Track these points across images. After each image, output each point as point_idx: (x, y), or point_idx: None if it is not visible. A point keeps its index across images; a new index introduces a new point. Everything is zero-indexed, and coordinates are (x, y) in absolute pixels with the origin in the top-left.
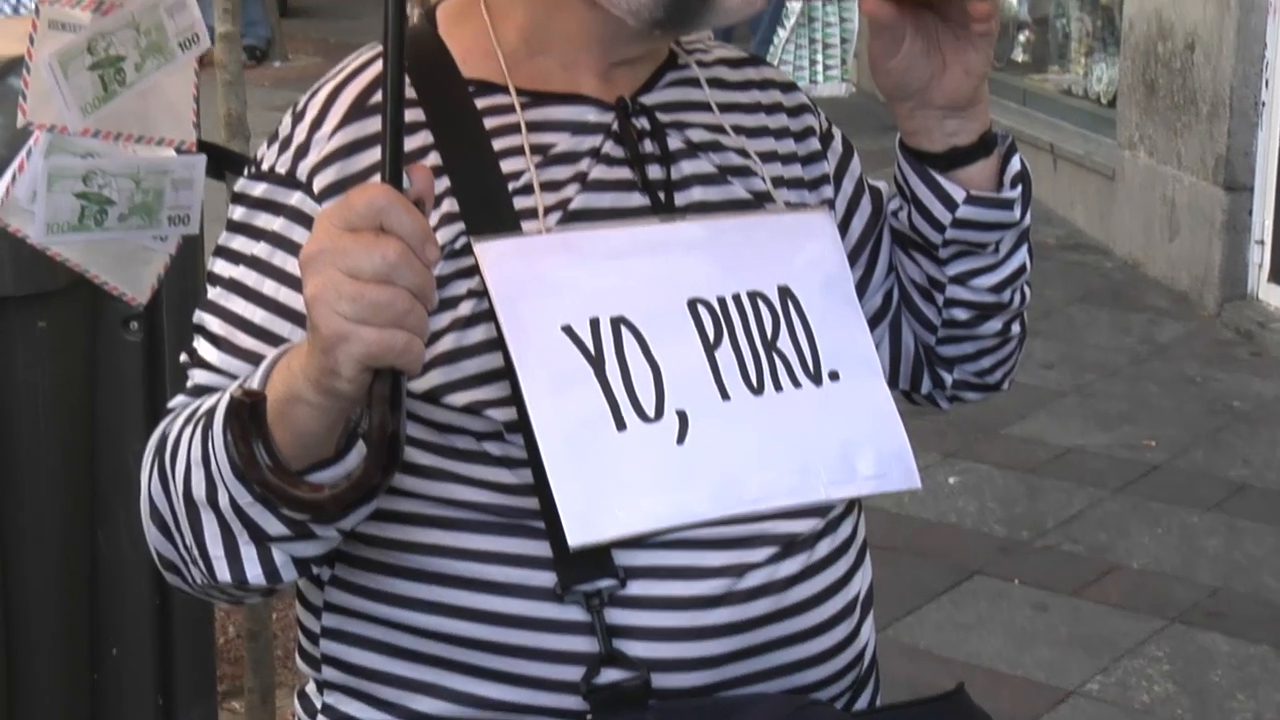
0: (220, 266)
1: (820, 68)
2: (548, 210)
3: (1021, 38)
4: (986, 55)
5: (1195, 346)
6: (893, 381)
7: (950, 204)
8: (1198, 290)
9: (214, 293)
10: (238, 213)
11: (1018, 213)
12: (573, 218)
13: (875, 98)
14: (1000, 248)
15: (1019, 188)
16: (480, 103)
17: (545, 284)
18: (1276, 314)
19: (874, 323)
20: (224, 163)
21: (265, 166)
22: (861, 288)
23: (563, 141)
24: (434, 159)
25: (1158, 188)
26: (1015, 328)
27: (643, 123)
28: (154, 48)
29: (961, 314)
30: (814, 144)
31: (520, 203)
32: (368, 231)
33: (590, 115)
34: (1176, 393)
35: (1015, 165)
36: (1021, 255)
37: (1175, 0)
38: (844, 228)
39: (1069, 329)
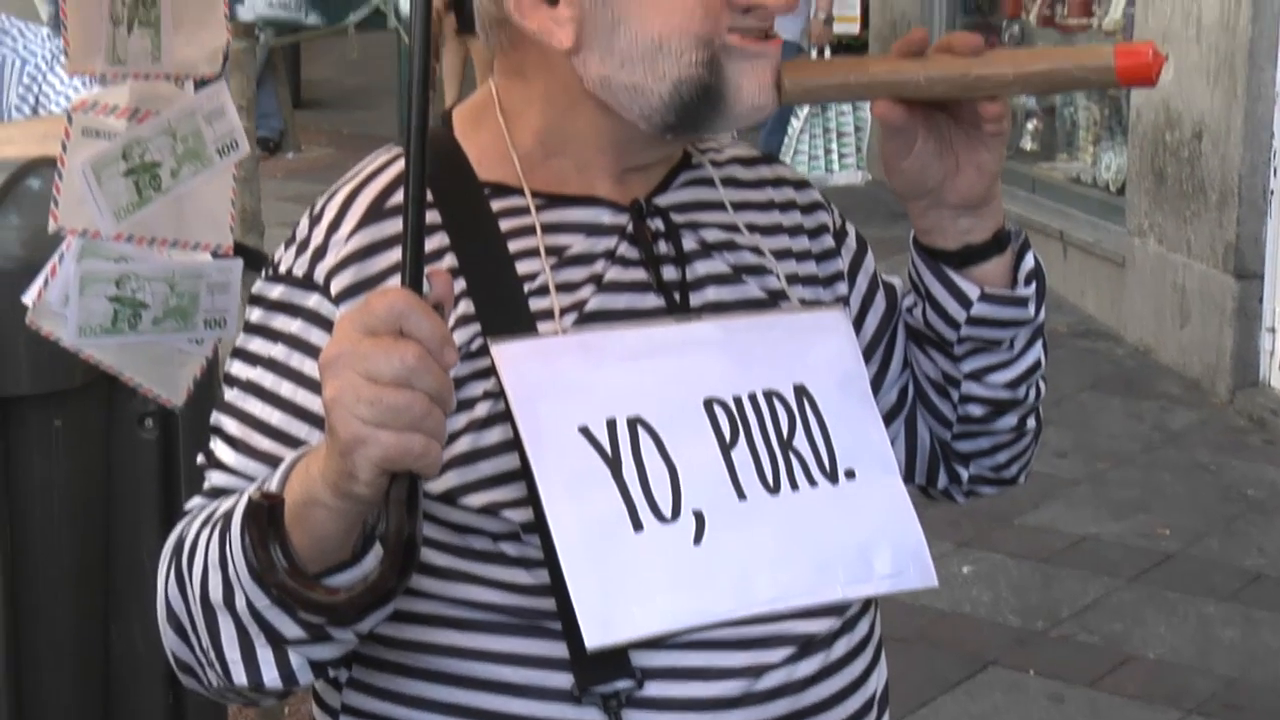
0: (238, 368)
1: (835, 156)
2: (563, 311)
3: (1030, 126)
4: (999, 154)
5: (1208, 434)
6: (908, 476)
7: (965, 301)
8: (1210, 377)
9: (231, 394)
10: (255, 315)
11: (1032, 310)
12: (588, 319)
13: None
14: (1015, 344)
15: (1033, 285)
16: (496, 205)
17: (561, 385)
18: None
19: (889, 418)
20: (242, 257)
21: (283, 269)
22: (876, 384)
23: (578, 243)
24: (450, 261)
25: (1168, 275)
26: (1031, 422)
27: (657, 224)
28: (191, 154)
29: (977, 410)
30: (828, 241)
31: (536, 304)
32: (387, 335)
33: (605, 217)
34: (1190, 481)
35: (1029, 262)
36: (1036, 351)
37: (1182, 89)
38: (858, 324)
39: (1081, 416)
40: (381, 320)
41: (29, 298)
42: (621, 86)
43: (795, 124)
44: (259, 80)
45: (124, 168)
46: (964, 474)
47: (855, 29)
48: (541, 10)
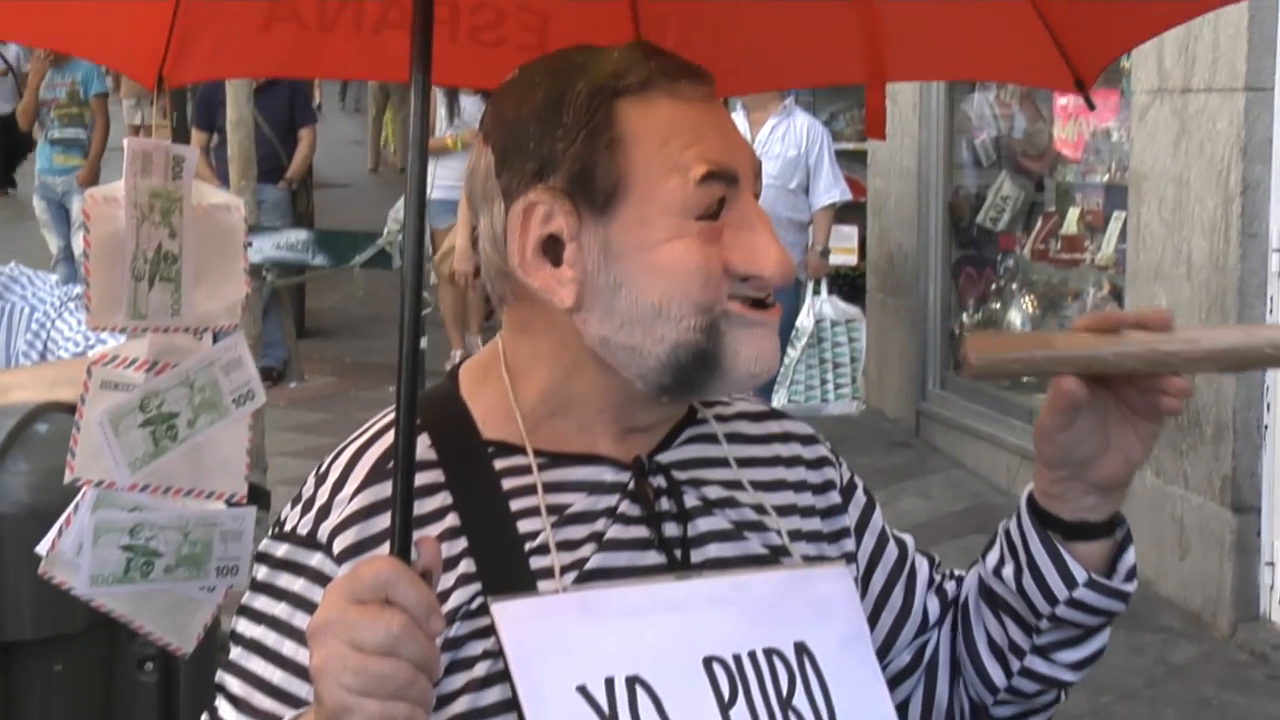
0: (243, 626)
1: (831, 386)
2: (564, 570)
3: None
4: (1148, 446)
5: (1211, 669)
6: None
7: (1071, 582)
8: (1211, 611)
9: (235, 653)
10: (261, 572)
11: (1124, 606)
12: (588, 577)
13: (884, 414)
14: (1095, 631)
15: (1134, 582)
16: (499, 464)
17: (560, 644)
18: None
19: (903, 677)
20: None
21: (288, 527)
22: (889, 642)
23: (579, 501)
24: (452, 520)
25: (1166, 508)
26: (1065, 694)
27: (659, 481)
28: (208, 404)
29: (1030, 687)
30: (834, 497)
31: (537, 562)
32: (373, 604)
33: (607, 475)
34: (1193, 716)
35: (1131, 558)
36: (1105, 636)
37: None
38: (865, 581)
39: None
40: (367, 588)
41: (43, 548)
42: (620, 347)
43: (792, 354)
44: (264, 310)
45: (141, 419)
46: None
47: (854, 260)
48: (545, 269)
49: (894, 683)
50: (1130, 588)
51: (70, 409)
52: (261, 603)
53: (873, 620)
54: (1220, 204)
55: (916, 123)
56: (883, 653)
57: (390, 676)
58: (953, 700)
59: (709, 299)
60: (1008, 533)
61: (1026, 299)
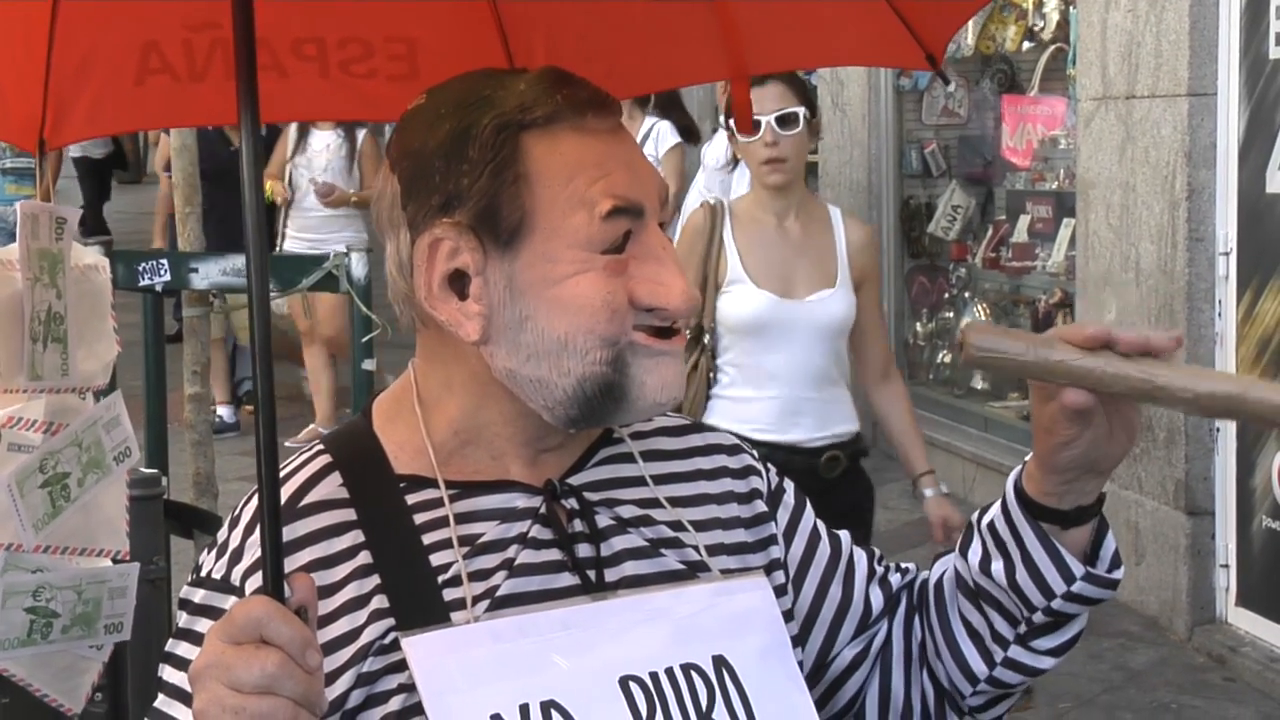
0: (167, 673)
1: None
2: (476, 600)
3: None
4: (1140, 409)
5: (1169, 673)
6: None
7: (1069, 577)
8: (1168, 615)
9: (160, 700)
10: (182, 619)
11: (1114, 594)
12: (500, 604)
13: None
14: (1074, 618)
15: (1121, 569)
16: (411, 498)
17: (472, 675)
18: (1247, 638)
19: (853, 669)
20: (191, 521)
21: (204, 573)
22: (832, 636)
23: (491, 530)
24: (364, 557)
25: (1121, 513)
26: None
27: (571, 503)
28: (93, 463)
29: (1013, 677)
30: (759, 505)
31: (450, 594)
32: (249, 644)
33: (519, 501)
34: None
35: (1112, 544)
36: (1083, 621)
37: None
38: (798, 583)
39: None
40: (241, 629)
41: None
42: (527, 379)
43: None
44: (235, 342)
45: (40, 480)
46: None
47: None
48: (452, 302)
49: (845, 676)
50: (1119, 575)
51: None
52: (183, 649)
53: (812, 617)
54: (1166, 209)
55: (866, 134)
56: (827, 648)
57: (269, 715)
58: (910, 691)
59: (614, 332)
60: (992, 528)
61: (979, 307)
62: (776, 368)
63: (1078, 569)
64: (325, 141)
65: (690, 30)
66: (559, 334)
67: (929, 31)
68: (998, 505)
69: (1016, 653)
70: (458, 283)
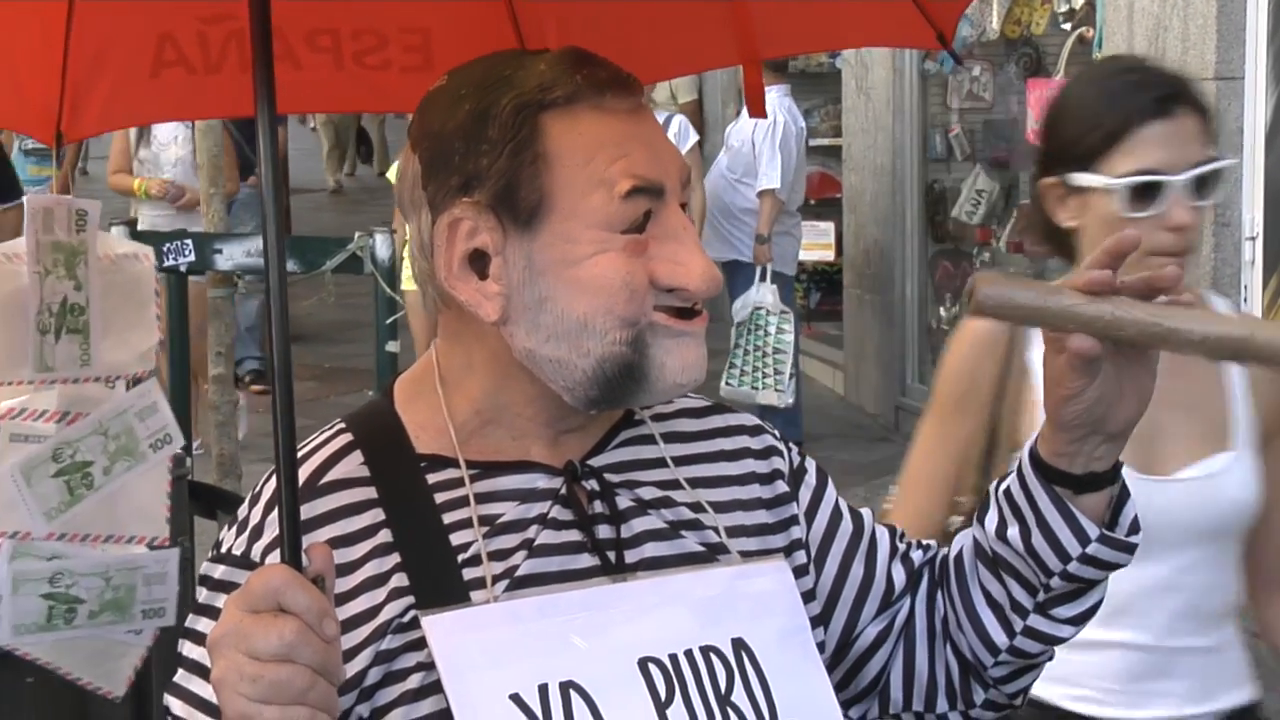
0: (186, 648)
1: (762, 375)
2: (495, 579)
3: None
4: (1154, 377)
5: None
6: (905, 705)
7: (1084, 538)
8: None
9: (179, 674)
10: (202, 595)
11: (1130, 559)
12: (520, 584)
13: (863, 409)
14: (1094, 585)
15: (1139, 534)
16: (432, 478)
17: (492, 654)
18: None
19: (877, 646)
20: (215, 502)
21: (224, 549)
22: (855, 614)
23: (511, 510)
24: (385, 535)
25: None
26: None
27: (592, 484)
28: (123, 451)
29: (1033, 646)
30: (781, 486)
31: (470, 574)
32: (266, 612)
33: (539, 482)
34: None
35: (1131, 510)
36: (1103, 590)
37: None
38: (821, 560)
39: None
40: (259, 598)
41: None
42: (546, 360)
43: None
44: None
45: (54, 469)
46: (979, 697)
47: (831, 256)
48: (471, 282)
49: (869, 653)
50: (1136, 539)
51: None
52: (203, 624)
53: (834, 596)
54: None
55: (890, 118)
56: (850, 626)
57: (287, 683)
58: (934, 666)
59: (634, 313)
60: (1009, 494)
61: None
62: (1131, 593)
63: (1092, 530)
64: (174, 133)
65: (701, 16)
66: (578, 314)
67: (938, 9)
68: (1014, 472)
69: (1036, 621)
70: (478, 263)
